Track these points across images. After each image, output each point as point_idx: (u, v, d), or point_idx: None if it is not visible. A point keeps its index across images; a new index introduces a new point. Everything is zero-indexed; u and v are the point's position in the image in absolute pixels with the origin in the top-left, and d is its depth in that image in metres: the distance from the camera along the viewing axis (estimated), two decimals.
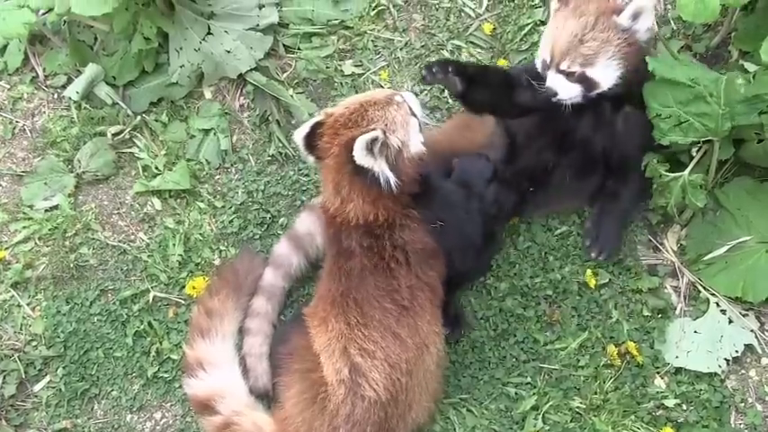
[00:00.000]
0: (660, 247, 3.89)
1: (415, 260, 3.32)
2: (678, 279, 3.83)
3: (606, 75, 3.43)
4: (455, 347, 3.73)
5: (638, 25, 3.39)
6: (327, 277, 3.38)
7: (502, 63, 4.19)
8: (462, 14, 4.36)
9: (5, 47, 4.35)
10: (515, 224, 3.91)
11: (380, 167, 3.14)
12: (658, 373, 3.67)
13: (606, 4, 3.46)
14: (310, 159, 3.35)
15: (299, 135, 3.30)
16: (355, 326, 3.22)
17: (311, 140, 3.28)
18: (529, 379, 3.70)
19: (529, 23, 4.28)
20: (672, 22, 4.23)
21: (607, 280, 3.82)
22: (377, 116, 3.23)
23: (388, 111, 3.26)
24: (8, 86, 4.32)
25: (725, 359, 3.65)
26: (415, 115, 3.35)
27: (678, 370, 3.66)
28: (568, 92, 3.44)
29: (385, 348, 3.21)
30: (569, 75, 3.42)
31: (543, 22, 4.29)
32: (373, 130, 3.13)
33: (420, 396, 3.37)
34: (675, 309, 3.78)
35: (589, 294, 3.82)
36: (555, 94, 3.44)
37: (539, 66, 3.54)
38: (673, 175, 3.66)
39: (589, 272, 3.80)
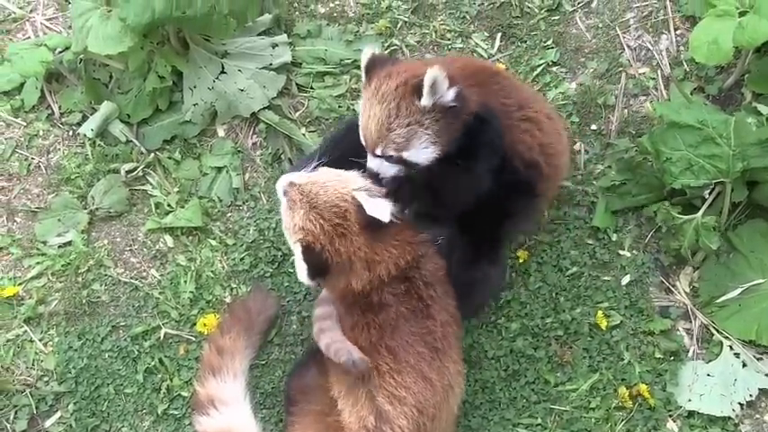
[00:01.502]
0: (672, 289, 3.87)
1: (441, 291, 3.29)
2: (691, 321, 3.82)
3: (424, 153, 3.27)
4: (466, 388, 3.70)
5: (441, 96, 3.16)
6: (351, 331, 3.25)
7: None
8: (474, 55, 4.38)
9: (23, 85, 4.39)
10: (526, 263, 3.91)
11: (385, 212, 3.09)
12: (671, 416, 3.65)
13: (405, 86, 3.21)
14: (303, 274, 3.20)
15: (302, 274, 3.17)
16: (387, 372, 3.14)
17: (319, 267, 3.16)
18: (539, 420, 3.69)
19: (541, 64, 4.31)
20: (685, 63, 4.24)
21: (618, 321, 3.81)
22: (340, 188, 3.19)
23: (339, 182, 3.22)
24: (24, 124, 4.36)
25: (739, 403, 3.62)
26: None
27: (691, 413, 3.64)
28: (389, 172, 3.32)
29: (416, 394, 3.15)
30: (387, 158, 3.29)
31: (556, 63, 4.33)
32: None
33: None
34: (688, 351, 3.76)
35: (600, 336, 3.80)
36: (377, 175, 3.32)
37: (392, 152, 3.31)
38: (686, 217, 3.67)
39: (600, 313, 3.79)
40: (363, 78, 3.36)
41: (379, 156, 3.29)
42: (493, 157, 3.35)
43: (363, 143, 3.33)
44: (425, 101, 3.15)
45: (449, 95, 3.17)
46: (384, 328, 3.19)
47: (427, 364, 3.19)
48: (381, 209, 3.08)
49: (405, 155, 3.26)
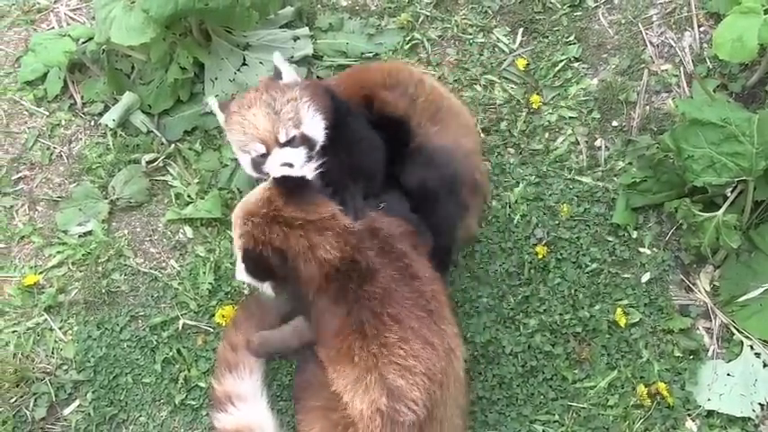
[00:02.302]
0: (693, 288, 3.85)
1: (411, 246, 3.28)
2: (711, 320, 3.80)
3: (316, 122, 3.46)
4: (483, 384, 3.71)
5: (290, 76, 3.57)
6: (349, 316, 3.13)
7: (535, 99, 4.19)
8: (496, 50, 4.37)
9: (46, 74, 4.41)
10: (545, 259, 3.90)
11: (306, 172, 3.22)
12: (689, 415, 3.63)
13: (263, 80, 3.58)
14: (268, 288, 3.29)
15: (242, 275, 3.21)
16: (395, 343, 3.05)
17: (260, 268, 3.19)
18: (557, 417, 3.68)
19: (563, 60, 4.30)
20: (708, 60, 4.22)
21: (638, 319, 3.79)
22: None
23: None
24: (47, 113, 4.38)
25: (759, 404, 3.61)
26: None
27: (710, 413, 3.62)
28: (299, 158, 3.39)
29: (425, 360, 3.06)
30: (291, 142, 3.40)
31: (578, 59, 4.31)
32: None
33: (452, 411, 3.25)
34: (708, 350, 3.74)
35: (619, 333, 3.79)
36: (291, 166, 3.37)
37: (251, 167, 3.51)
38: (707, 215, 3.65)
39: (619, 311, 3.78)
40: (222, 120, 3.61)
41: (284, 143, 3.40)
42: (359, 120, 3.61)
43: (261, 150, 3.42)
44: (287, 77, 3.54)
45: (293, 76, 3.60)
46: (382, 295, 3.11)
47: (427, 328, 3.13)
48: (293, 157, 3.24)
49: (303, 129, 3.43)
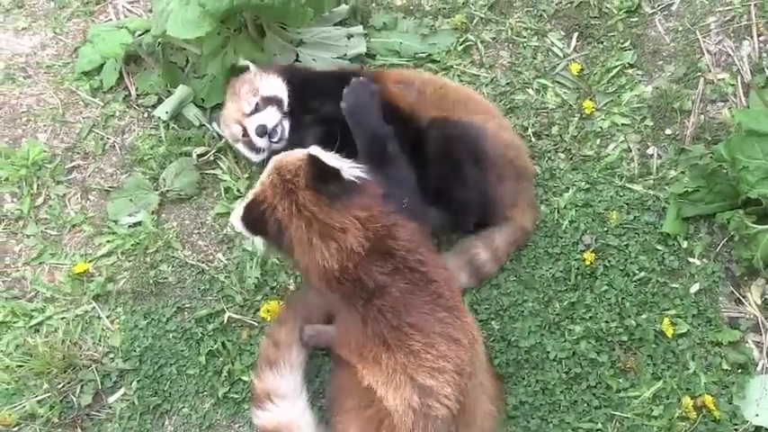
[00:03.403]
0: (743, 300, 3.80)
1: (426, 251, 3.21)
2: (761, 334, 3.73)
3: (272, 84, 3.94)
4: (526, 389, 3.69)
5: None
6: (364, 324, 3.10)
7: (588, 104, 4.16)
8: (550, 53, 4.35)
9: (102, 66, 4.47)
10: (593, 265, 3.87)
11: (344, 169, 3.07)
12: (736, 430, 3.57)
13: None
14: (259, 242, 3.26)
15: (235, 219, 3.15)
16: (420, 350, 3.04)
17: (256, 221, 3.13)
18: (600, 425, 3.64)
19: (617, 66, 4.27)
20: (766, 70, 4.15)
21: (685, 330, 3.74)
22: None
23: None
24: (102, 104, 4.44)
25: None
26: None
27: (758, 429, 3.56)
28: (271, 117, 3.85)
29: (453, 359, 3.06)
30: (256, 109, 3.89)
31: (632, 65, 4.28)
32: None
33: (482, 397, 3.27)
34: (757, 365, 3.68)
35: (666, 343, 3.74)
36: (264, 131, 3.81)
37: (249, 151, 3.99)
38: (760, 227, 3.59)
39: (667, 320, 3.73)
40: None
41: (250, 113, 3.90)
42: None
43: (240, 128, 3.95)
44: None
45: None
46: (396, 308, 3.06)
47: (451, 326, 3.10)
48: (344, 172, 3.05)
49: (261, 92, 3.91)
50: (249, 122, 3.88)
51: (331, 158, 3.07)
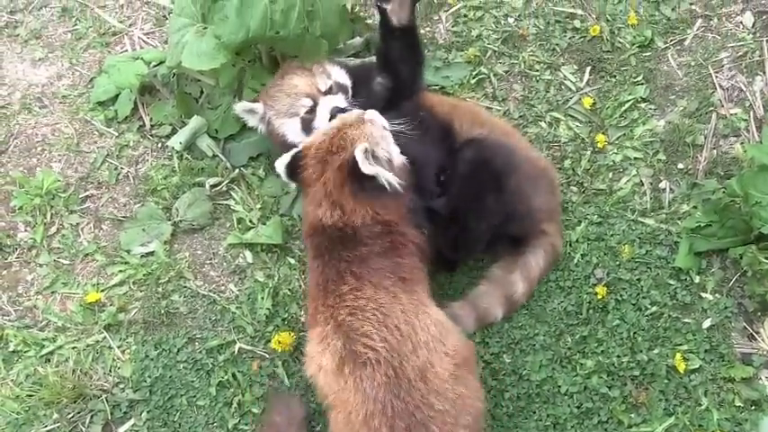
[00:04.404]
0: (756, 336, 3.77)
1: (415, 240, 3.44)
2: None
3: (340, 73, 3.99)
4: (537, 423, 3.67)
5: None
6: (313, 275, 3.39)
7: (600, 138, 4.17)
8: (563, 87, 4.37)
9: (117, 96, 4.50)
10: (605, 299, 3.85)
11: (383, 173, 3.26)
12: None
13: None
14: (293, 185, 3.75)
15: (280, 164, 3.46)
16: (347, 292, 3.22)
17: (294, 170, 3.43)
18: None
19: (629, 100, 4.28)
20: None
21: (698, 365, 3.72)
22: (357, 134, 3.35)
23: (364, 128, 3.39)
24: (116, 134, 4.47)
25: None
26: (386, 129, 3.49)
27: None
28: (344, 104, 3.82)
29: (377, 301, 3.19)
30: (330, 90, 3.88)
31: (645, 99, 4.29)
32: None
33: (432, 357, 3.15)
34: None
35: (678, 379, 3.72)
36: (335, 114, 3.66)
37: (300, 130, 3.87)
38: None
39: (679, 356, 3.71)
40: (252, 120, 4.01)
41: (326, 91, 3.87)
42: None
43: (310, 102, 3.85)
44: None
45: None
46: (354, 260, 3.28)
47: (391, 282, 3.27)
48: (381, 174, 3.27)
49: (333, 77, 3.94)
50: (325, 101, 3.82)
51: (382, 149, 3.37)
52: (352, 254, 3.28)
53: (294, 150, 3.46)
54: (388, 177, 3.27)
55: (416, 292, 3.32)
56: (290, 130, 3.88)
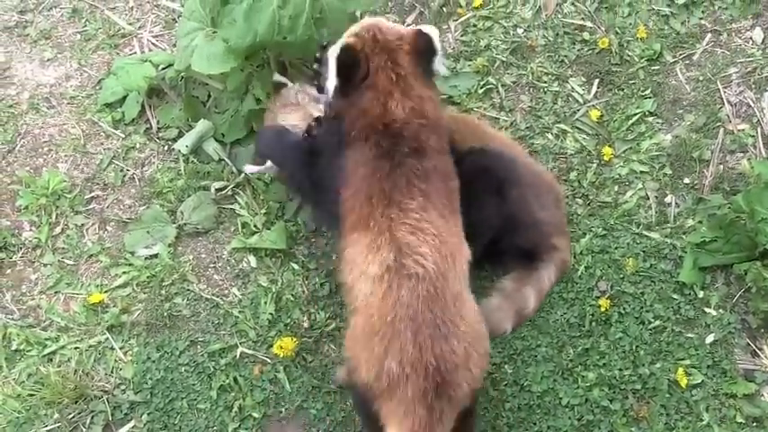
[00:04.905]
0: (759, 353, 3.77)
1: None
2: None
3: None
4: None
5: None
6: (372, 168, 3.26)
7: (607, 151, 4.17)
8: (570, 99, 4.37)
9: (125, 98, 4.50)
10: (608, 312, 3.85)
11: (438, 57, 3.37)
12: None
13: None
14: (331, 86, 3.42)
15: (333, 55, 3.35)
16: (413, 210, 3.17)
17: (347, 67, 3.32)
18: None
19: (637, 113, 4.28)
20: None
21: (700, 381, 3.72)
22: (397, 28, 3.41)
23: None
24: (123, 136, 4.47)
25: None
26: None
27: None
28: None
29: (440, 227, 3.18)
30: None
31: (652, 113, 4.30)
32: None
33: (465, 290, 3.26)
34: None
35: (679, 393, 3.71)
36: None
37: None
38: None
39: (681, 370, 3.71)
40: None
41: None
42: None
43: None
44: None
45: None
46: (421, 174, 3.24)
47: (448, 211, 3.27)
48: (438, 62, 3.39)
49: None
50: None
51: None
52: (420, 166, 3.24)
53: (341, 43, 3.35)
54: (442, 61, 3.42)
55: (460, 227, 3.33)
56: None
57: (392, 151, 3.25)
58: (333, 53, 3.34)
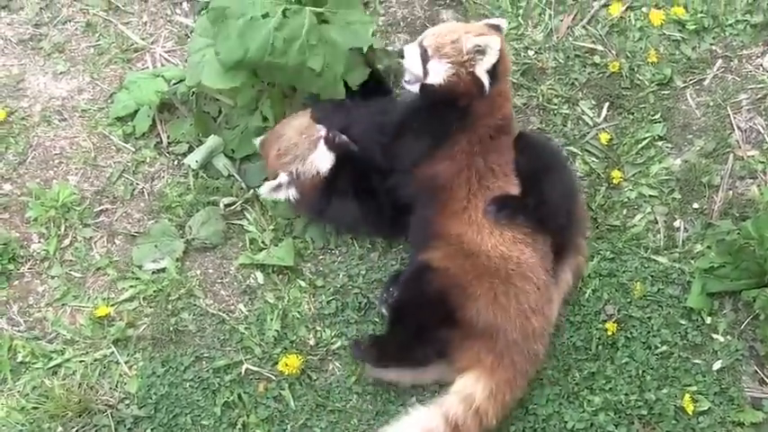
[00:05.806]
0: (767, 381, 3.75)
1: None
2: None
3: None
4: None
5: None
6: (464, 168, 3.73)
7: (616, 174, 4.17)
8: (580, 122, 4.37)
9: (136, 112, 4.51)
10: (615, 336, 3.84)
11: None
12: None
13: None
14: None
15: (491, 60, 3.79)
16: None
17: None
18: None
19: (647, 137, 4.28)
20: None
21: (706, 407, 3.70)
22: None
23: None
24: (133, 150, 4.48)
25: None
26: None
27: None
28: None
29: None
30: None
31: (662, 138, 4.30)
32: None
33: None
34: None
35: (686, 420, 3.70)
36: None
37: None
38: None
39: (688, 397, 3.69)
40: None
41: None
42: None
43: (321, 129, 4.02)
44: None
45: None
46: (502, 150, 3.81)
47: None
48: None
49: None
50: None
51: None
52: (501, 139, 3.79)
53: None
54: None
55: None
56: (322, 155, 3.99)
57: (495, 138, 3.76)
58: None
